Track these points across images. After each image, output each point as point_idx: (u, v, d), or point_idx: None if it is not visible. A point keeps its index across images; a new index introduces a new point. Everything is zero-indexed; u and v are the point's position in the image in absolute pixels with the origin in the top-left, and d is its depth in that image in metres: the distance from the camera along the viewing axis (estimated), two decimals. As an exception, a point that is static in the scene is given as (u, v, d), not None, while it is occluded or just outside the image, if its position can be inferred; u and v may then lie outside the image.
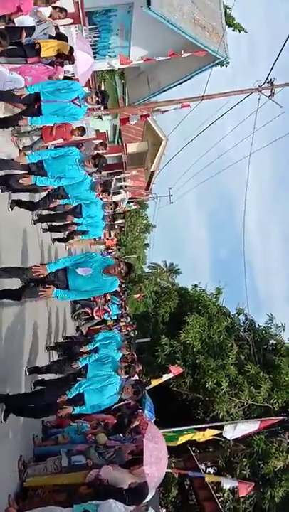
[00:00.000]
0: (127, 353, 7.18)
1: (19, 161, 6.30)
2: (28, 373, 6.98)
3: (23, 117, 6.68)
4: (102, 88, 16.48)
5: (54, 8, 8.35)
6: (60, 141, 9.15)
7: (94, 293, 6.05)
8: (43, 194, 8.23)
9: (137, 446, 6.89)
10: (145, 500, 5.96)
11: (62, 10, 9.02)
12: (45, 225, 10.05)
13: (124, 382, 5.75)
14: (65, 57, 8.22)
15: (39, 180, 6.18)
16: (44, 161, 6.17)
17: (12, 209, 7.50)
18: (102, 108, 16.12)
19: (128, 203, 32.73)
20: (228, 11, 18.18)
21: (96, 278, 5.50)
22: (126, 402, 7.29)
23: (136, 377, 8.78)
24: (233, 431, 12.12)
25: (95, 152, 8.56)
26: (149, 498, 6.09)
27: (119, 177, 24.13)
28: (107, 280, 5.59)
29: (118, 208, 21.60)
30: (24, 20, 7.65)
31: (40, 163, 6.21)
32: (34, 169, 6.23)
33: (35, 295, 5.61)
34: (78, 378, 5.82)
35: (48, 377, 7.37)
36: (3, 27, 6.92)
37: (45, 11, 8.12)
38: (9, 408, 5.56)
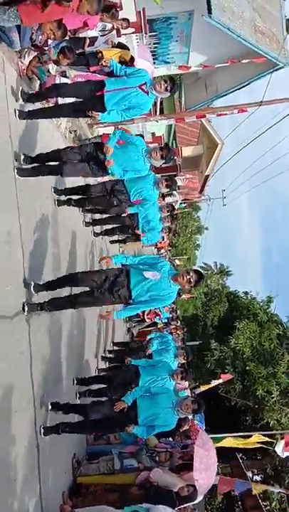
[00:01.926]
0: (184, 361, 7.06)
1: None
2: (75, 383, 6.84)
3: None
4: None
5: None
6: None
7: (160, 302, 5.40)
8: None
9: (187, 453, 7.00)
10: (192, 503, 6.12)
11: (125, 20, 9.27)
12: (97, 229, 9.90)
13: (182, 399, 5.36)
14: (126, 64, 8.39)
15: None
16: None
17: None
18: (158, 113, 16.28)
19: (181, 204, 32.76)
20: (289, 17, 17.91)
21: (164, 285, 5.08)
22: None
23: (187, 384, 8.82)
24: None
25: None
26: (196, 502, 6.22)
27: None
28: (174, 289, 5.18)
29: (174, 211, 21.59)
30: (88, 32, 7.89)
31: None
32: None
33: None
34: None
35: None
36: (67, 38, 7.17)
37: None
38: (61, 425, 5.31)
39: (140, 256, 5.29)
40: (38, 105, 6.07)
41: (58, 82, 7.07)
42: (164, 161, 6.13)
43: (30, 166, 5.53)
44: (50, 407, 5.30)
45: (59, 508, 5.24)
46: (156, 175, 7.23)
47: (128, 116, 5.84)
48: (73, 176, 6.44)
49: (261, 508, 12.89)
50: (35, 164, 5.63)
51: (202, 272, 5.83)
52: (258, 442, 12.14)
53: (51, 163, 5.86)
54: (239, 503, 15.95)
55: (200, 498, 6.43)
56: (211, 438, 9.88)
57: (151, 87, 5.53)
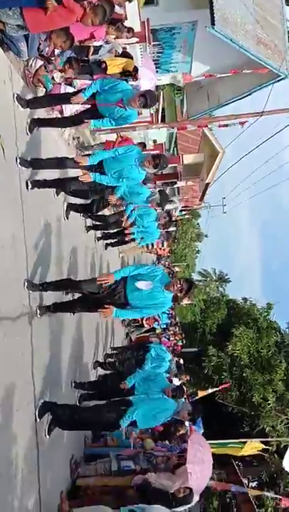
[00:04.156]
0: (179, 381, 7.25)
1: (79, 161, 6.02)
2: (73, 386, 6.88)
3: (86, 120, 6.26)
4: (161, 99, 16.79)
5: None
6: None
7: (155, 310, 5.75)
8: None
9: (184, 456, 7.06)
10: (188, 506, 6.18)
11: (130, 30, 9.43)
12: (99, 234, 10.29)
13: (180, 406, 5.50)
14: (129, 74, 8.54)
15: (99, 177, 5.90)
16: (104, 160, 5.97)
17: (68, 218, 7.57)
18: (159, 121, 16.43)
19: (181, 211, 32.90)
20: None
21: (157, 294, 5.34)
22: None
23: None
24: None
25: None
26: (192, 504, 6.26)
27: (173, 187, 24.34)
28: (168, 297, 5.40)
29: (172, 218, 21.78)
30: (94, 42, 8.05)
31: (99, 163, 5.98)
32: (93, 168, 5.98)
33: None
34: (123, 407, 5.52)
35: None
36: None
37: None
38: (55, 420, 5.36)
39: (137, 268, 5.47)
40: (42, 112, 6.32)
41: (62, 90, 7.26)
42: (156, 170, 6.45)
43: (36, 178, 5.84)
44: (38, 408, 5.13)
45: (57, 508, 5.33)
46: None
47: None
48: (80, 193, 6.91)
49: (256, 514, 12.96)
50: (44, 178, 5.96)
51: (193, 280, 6.06)
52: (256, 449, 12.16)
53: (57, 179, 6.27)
54: (234, 510, 15.99)
55: (196, 499, 6.46)
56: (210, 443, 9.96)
57: (128, 103, 5.73)
